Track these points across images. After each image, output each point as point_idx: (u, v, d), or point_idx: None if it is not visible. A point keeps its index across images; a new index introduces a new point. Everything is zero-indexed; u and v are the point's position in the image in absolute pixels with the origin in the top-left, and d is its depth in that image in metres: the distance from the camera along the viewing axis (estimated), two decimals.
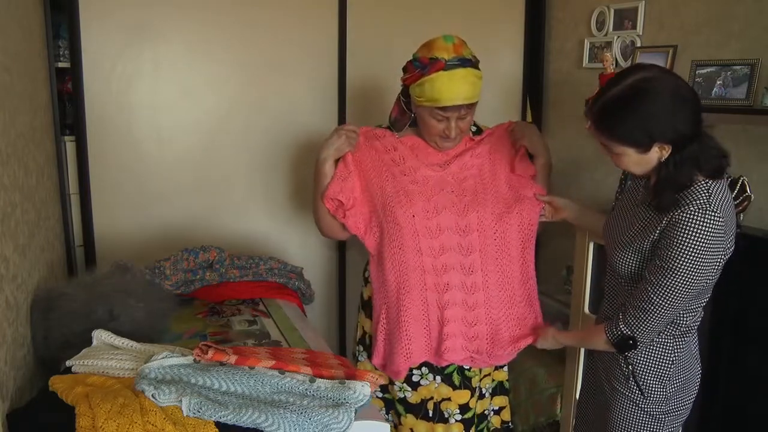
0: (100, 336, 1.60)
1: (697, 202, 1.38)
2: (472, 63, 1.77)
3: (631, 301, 1.52)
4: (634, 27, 2.60)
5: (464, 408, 1.96)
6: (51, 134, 2.26)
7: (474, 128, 1.98)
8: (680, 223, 1.39)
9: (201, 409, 1.32)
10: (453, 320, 1.87)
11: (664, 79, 1.41)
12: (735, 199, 2.04)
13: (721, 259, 1.43)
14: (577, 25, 2.88)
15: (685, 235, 1.38)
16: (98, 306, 1.67)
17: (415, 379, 1.95)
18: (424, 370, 1.94)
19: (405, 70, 1.85)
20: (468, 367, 1.94)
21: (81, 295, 1.70)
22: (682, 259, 1.40)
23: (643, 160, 1.45)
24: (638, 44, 2.58)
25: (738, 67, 2.15)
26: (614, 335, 1.54)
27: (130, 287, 1.78)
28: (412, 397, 1.96)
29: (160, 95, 2.48)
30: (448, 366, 1.93)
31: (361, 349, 2.07)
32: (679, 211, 1.40)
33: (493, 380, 2.05)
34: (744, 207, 2.05)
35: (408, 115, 1.89)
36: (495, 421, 2.08)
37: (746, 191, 2.04)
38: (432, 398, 1.96)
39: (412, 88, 1.79)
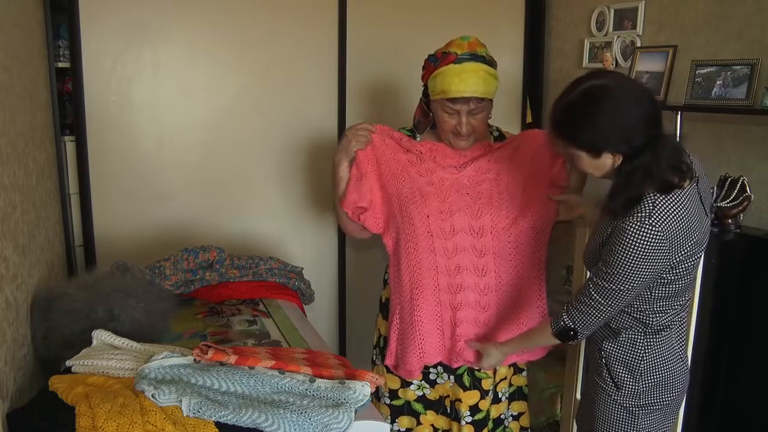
0: (100, 336, 1.60)
1: (639, 214, 1.43)
2: (485, 60, 1.76)
3: (575, 295, 1.60)
4: (634, 27, 2.60)
5: (474, 409, 1.96)
6: (51, 134, 2.26)
7: (497, 133, 1.97)
8: (621, 232, 1.44)
9: (201, 409, 1.32)
10: (465, 321, 1.87)
11: (616, 88, 1.42)
12: (735, 199, 2.04)
13: (664, 269, 1.47)
14: (577, 25, 2.88)
15: (622, 244, 1.44)
16: (98, 306, 1.67)
17: (431, 377, 1.96)
18: (439, 369, 1.95)
19: (423, 67, 1.86)
20: (478, 368, 1.94)
21: (81, 295, 1.70)
22: (619, 266, 1.46)
23: (596, 165, 1.48)
24: (638, 44, 2.58)
25: (738, 67, 2.15)
26: (557, 326, 1.62)
27: (130, 287, 1.78)
28: (431, 393, 1.97)
29: (160, 95, 2.48)
30: (459, 366, 1.93)
31: (377, 352, 2.06)
32: (623, 220, 1.45)
33: (511, 385, 2.04)
34: (744, 207, 2.05)
35: (429, 116, 1.89)
36: (514, 427, 2.07)
37: (746, 191, 2.04)
38: (448, 396, 1.98)
39: (428, 83, 1.81)
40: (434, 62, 1.78)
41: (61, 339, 1.64)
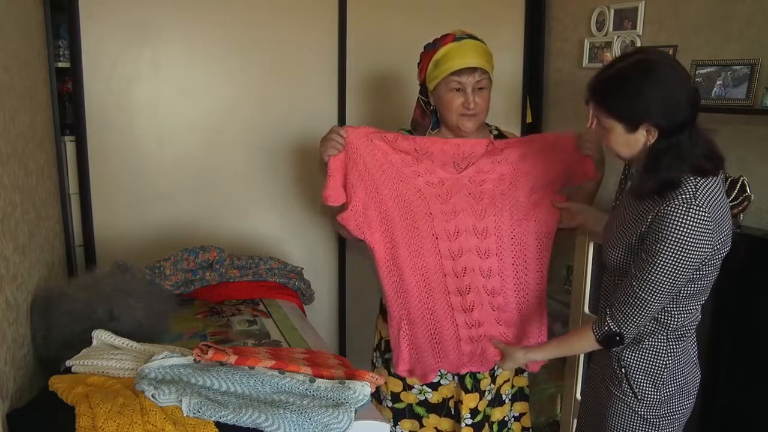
0: (100, 336, 1.60)
1: (683, 196, 1.39)
2: (480, 41, 1.82)
3: (617, 297, 1.52)
4: (634, 27, 2.60)
5: (474, 412, 1.96)
6: (51, 134, 2.26)
7: (495, 132, 1.97)
8: (665, 217, 1.40)
9: (201, 409, 1.32)
10: (487, 322, 1.87)
11: (665, 63, 1.43)
12: (735, 199, 2.04)
13: (708, 256, 1.43)
14: (577, 25, 2.88)
15: (670, 229, 1.39)
16: (98, 306, 1.67)
17: (435, 380, 1.95)
18: (443, 370, 1.95)
19: (419, 64, 1.87)
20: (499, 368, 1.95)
21: (81, 295, 1.69)
22: (666, 252, 1.40)
23: (630, 141, 1.46)
24: (638, 44, 2.58)
25: (738, 67, 2.15)
26: (602, 332, 1.53)
27: (130, 287, 1.77)
28: (434, 397, 1.97)
29: (160, 95, 2.48)
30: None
31: (377, 355, 2.05)
32: (664, 205, 1.41)
33: (513, 386, 2.04)
34: (744, 207, 2.05)
35: (429, 116, 1.89)
36: (516, 428, 2.08)
37: (746, 191, 2.04)
38: (452, 397, 1.97)
39: (428, 72, 1.82)
40: (432, 46, 1.82)
41: (61, 339, 1.64)
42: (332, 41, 2.69)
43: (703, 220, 1.38)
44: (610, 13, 2.69)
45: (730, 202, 2.04)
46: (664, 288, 1.43)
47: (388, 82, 2.77)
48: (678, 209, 1.38)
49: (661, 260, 1.41)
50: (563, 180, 1.88)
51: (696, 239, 1.38)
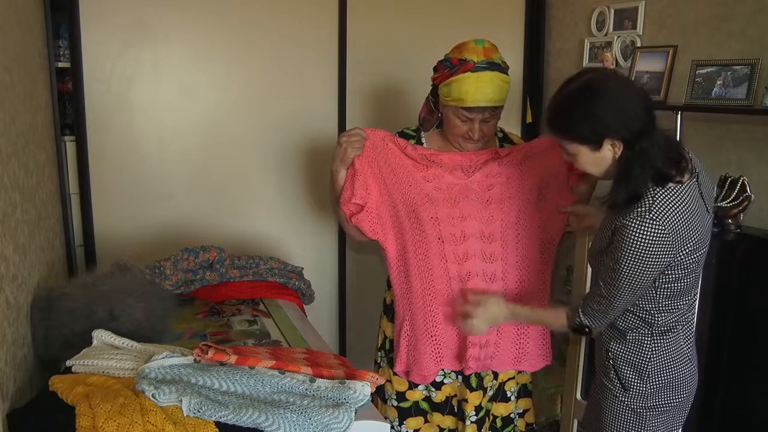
0: (100, 336, 1.60)
1: (639, 210, 1.44)
2: (500, 67, 1.77)
3: (589, 294, 1.62)
4: (634, 27, 2.60)
5: (478, 408, 1.97)
6: (51, 134, 2.26)
7: (500, 134, 1.97)
8: (622, 229, 1.45)
9: (201, 409, 1.32)
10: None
11: (610, 78, 1.49)
12: (735, 199, 2.04)
13: (670, 263, 1.47)
14: (577, 25, 2.88)
15: (625, 241, 1.44)
16: (98, 306, 1.67)
17: (438, 379, 1.96)
18: (446, 369, 1.95)
19: (435, 69, 1.84)
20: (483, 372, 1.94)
21: (81, 295, 1.69)
22: (623, 262, 1.46)
23: (597, 159, 1.49)
24: (638, 44, 2.58)
25: (738, 67, 2.15)
26: (574, 322, 1.64)
27: (130, 287, 1.78)
28: (437, 396, 1.97)
29: (160, 95, 2.48)
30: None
31: (382, 355, 2.05)
32: (622, 217, 1.46)
33: (518, 383, 2.05)
34: (744, 207, 2.05)
35: (436, 115, 1.88)
36: (520, 425, 2.08)
37: (746, 191, 2.04)
38: (456, 395, 1.98)
39: (441, 87, 1.80)
40: (450, 68, 1.76)
41: (61, 339, 1.64)
42: (332, 41, 2.69)
43: (657, 232, 1.42)
44: (610, 13, 2.69)
45: (730, 202, 2.04)
46: (627, 292, 1.51)
47: (389, 81, 2.77)
48: (632, 222, 1.43)
49: (621, 269, 1.48)
50: (566, 176, 1.87)
51: (652, 251, 1.43)
